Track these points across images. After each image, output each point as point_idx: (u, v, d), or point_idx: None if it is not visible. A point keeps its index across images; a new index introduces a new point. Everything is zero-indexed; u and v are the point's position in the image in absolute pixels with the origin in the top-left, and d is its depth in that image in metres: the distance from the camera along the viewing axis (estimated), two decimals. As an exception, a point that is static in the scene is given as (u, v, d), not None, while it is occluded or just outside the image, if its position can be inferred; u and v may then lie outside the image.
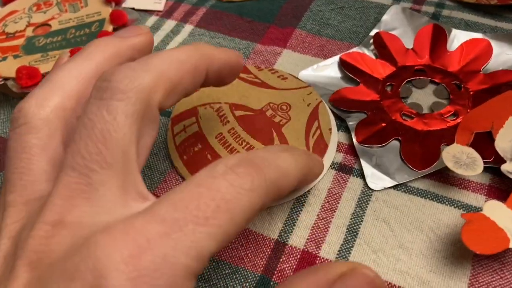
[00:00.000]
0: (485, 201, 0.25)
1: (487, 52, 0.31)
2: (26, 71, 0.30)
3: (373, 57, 0.33)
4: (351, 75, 0.31)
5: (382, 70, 0.32)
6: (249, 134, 0.28)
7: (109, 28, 0.34)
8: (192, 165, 0.27)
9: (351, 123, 0.29)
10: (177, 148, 0.28)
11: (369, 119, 0.29)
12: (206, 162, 0.27)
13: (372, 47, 0.33)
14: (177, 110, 0.30)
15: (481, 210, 0.23)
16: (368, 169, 0.27)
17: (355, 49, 0.33)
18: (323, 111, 0.29)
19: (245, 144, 0.28)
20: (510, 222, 0.22)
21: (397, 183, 0.26)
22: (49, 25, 0.35)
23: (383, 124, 0.29)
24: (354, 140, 0.28)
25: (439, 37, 0.33)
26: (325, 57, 0.33)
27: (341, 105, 0.30)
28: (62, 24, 0.35)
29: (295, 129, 0.28)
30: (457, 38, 0.33)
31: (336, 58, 0.33)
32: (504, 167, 0.25)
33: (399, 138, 0.28)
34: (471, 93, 0.30)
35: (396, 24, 0.34)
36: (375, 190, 0.26)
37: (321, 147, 0.27)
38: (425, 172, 0.26)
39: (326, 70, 0.32)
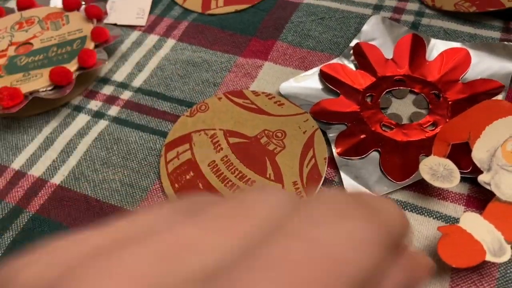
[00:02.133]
0: (464, 211, 0.25)
1: (466, 61, 0.31)
2: (8, 92, 0.30)
3: (353, 68, 0.33)
4: (331, 87, 0.31)
5: (362, 80, 0.32)
6: (242, 163, 0.28)
7: (91, 45, 0.34)
8: (183, 194, 0.27)
9: (331, 135, 0.29)
10: (169, 175, 0.28)
11: (349, 130, 0.29)
12: (197, 191, 0.27)
13: (352, 57, 0.33)
14: (171, 136, 0.30)
15: (459, 221, 0.23)
16: (347, 181, 0.27)
17: (335, 60, 0.33)
18: (319, 139, 0.29)
19: (238, 172, 0.27)
20: (487, 234, 0.23)
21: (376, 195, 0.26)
22: (31, 44, 0.35)
23: (363, 136, 0.29)
24: (334, 152, 0.28)
25: (418, 46, 0.33)
26: (306, 69, 0.34)
27: (321, 117, 0.30)
28: (44, 42, 0.35)
29: (290, 158, 0.28)
30: (436, 47, 0.33)
31: (316, 69, 0.33)
32: (481, 178, 0.25)
33: (379, 149, 0.28)
34: (450, 102, 0.30)
35: (376, 35, 0.35)
36: (355, 203, 0.26)
37: (315, 177, 0.27)
38: (404, 184, 0.26)
39: (307, 82, 0.32)
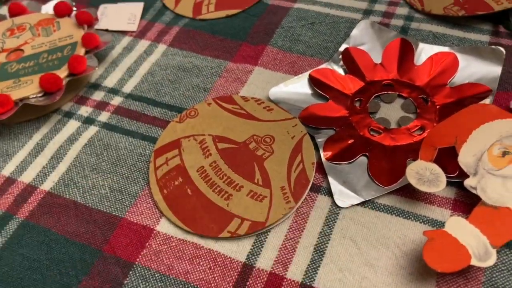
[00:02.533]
0: (451, 215, 0.26)
1: (454, 65, 0.32)
2: (-3, 98, 0.30)
3: (342, 72, 0.33)
4: (320, 92, 0.31)
5: (351, 85, 0.32)
6: (230, 168, 0.28)
7: (81, 51, 0.34)
8: (172, 200, 0.27)
9: (320, 140, 0.29)
10: (158, 181, 0.28)
11: (338, 135, 0.29)
12: (186, 196, 0.27)
13: (341, 62, 0.33)
14: (161, 142, 0.30)
15: (445, 226, 0.23)
16: (335, 186, 0.27)
17: (324, 65, 0.33)
18: (307, 144, 0.29)
19: (226, 178, 0.28)
20: (472, 238, 0.23)
21: (363, 200, 0.26)
22: (22, 50, 0.35)
23: (351, 140, 0.29)
24: (322, 157, 0.28)
25: (406, 51, 0.33)
26: (296, 73, 0.34)
27: (310, 122, 0.30)
28: (35, 48, 0.35)
29: (278, 163, 0.28)
30: (424, 51, 0.33)
31: (306, 75, 0.33)
32: (467, 182, 0.25)
33: (367, 154, 0.28)
34: (437, 106, 0.30)
35: (365, 39, 0.35)
36: (342, 208, 0.26)
37: (302, 182, 0.27)
38: (391, 188, 0.26)
39: (297, 87, 0.32)
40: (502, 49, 0.31)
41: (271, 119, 0.30)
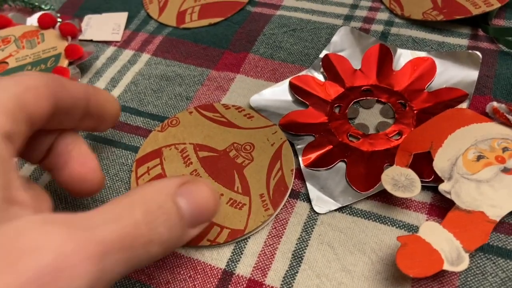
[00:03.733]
0: (426, 219, 0.26)
1: (431, 70, 0.32)
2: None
3: (323, 79, 0.33)
4: (300, 98, 0.32)
5: (331, 91, 0.32)
6: (210, 176, 0.28)
7: (65, 63, 0.35)
8: None
9: (299, 146, 0.29)
10: None
11: (316, 142, 0.30)
12: None
13: (322, 69, 0.34)
14: (142, 151, 0.30)
15: (418, 231, 0.23)
16: (313, 192, 0.27)
17: (304, 72, 0.34)
18: (286, 151, 0.29)
19: None
20: (446, 243, 0.23)
21: (341, 206, 0.26)
22: (7, 63, 0.36)
23: (330, 147, 0.29)
24: (301, 163, 0.28)
25: (385, 57, 0.33)
26: (277, 80, 0.34)
27: (290, 128, 0.30)
28: (19, 61, 0.35)
29: (257, 171, 0.28)
30: (403, 56, 0.33)
31: (286, 82, 0.33)
32: (441, 187, 0.26)
33: (345, 160, 0.28)
34: (415, 111, 0.30)
35: (345, 45, 0.35)
36: (320, 214, 0.27)
37: (281, 189, 0.27)
38: (368, 194, 0.27)
39: (277, 95, 0.33)
40: (478, 53, 0.32)
41: (252, 126, 0.31)
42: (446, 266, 0.22)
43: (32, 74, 0.20)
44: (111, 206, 0.18)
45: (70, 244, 0.15)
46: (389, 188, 0.25)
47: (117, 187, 0.29)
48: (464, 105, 0.30)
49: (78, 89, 0.22)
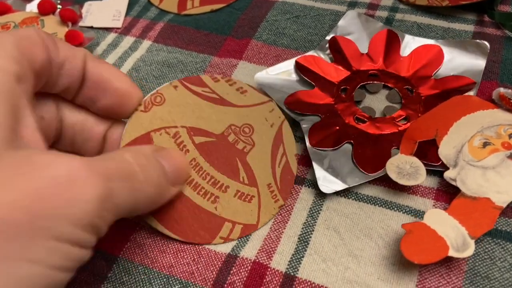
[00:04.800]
0: (433, 205, 0.26)
1: (439, 58, 0.32)
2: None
3: (329, 61, 0.33)
4: (306, 78, 0.31)
5: (337, 74, 0.32)
6: (212, 166, 0.26)
7: (65, 48, 0.34)
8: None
9: (305, 125, 0.29)
10: None
11: (323, 122, 0.29)
12: (169, 202, 0.24)
13: (328, 51, 0.33)
14: (127, 136, 0.26)
15: (423, 218, 0.23)
16: (320, 172, 0.27)
17: (311, 53, 0.33)
18: (287, 131, 0.28)
19: (209, 178, 0.26)
20: (451, 230, 0.23)
21: (348, 186, 0.26)
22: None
23: (336, 128, 0.29)
24: (307, 143, 0.28)
25: (392, 42, 0.33)
26: (281, 67, 0.34)
27: (296, 107, 0.30)
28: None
29: (260, 158, 0.27)
30: (410, 43, 0.33)
31: (292, 61, 0.33)
32: (447, 174, 0.25)
33: (352, 141, 0.28)
34: (422, 97, 0.30)
35: (352, 29, 0.35)
36: (326, 200, 0.26)
37: (288, 177, 0.27)
38: (375, 175, 0.26)
39: (282, 73, 0.32)
40: (486, 43, 0.31)
41: (247, 103, 0.28)
42: (452, 253, 0.22)
43: (24, 28, 0.23)
44: (102, 155, 0.20)
45: (78, 162, 0.17)
46: (393, 176, 0.25)
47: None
48: (471, 93, 0.30)
49: (73, 49, 0.23)
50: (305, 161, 0.28)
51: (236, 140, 0.27)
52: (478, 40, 0.32)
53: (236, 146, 0.27)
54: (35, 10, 0.38)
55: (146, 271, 0.24)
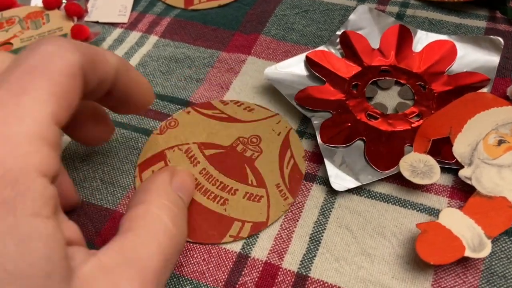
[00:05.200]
0: (448, 203, 0.25)
1: (452, 54, 0.31)
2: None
3: (339, 56, 0.32)
4: (317, 74, 0.31)
5: (348, 69, 0.31)
6: (221, 173, 0.27)
7: (71, 43, 0.34)
8: None
9: (316, 122, 0.28)
10: None
11: (334, 118, 0.29)
12: None
13: (339, 46, 0.33)
14: (143, 155, 0.29)
15: (438, 217, 0.23)
16: (331, 169, 0.26)
17: (321, 48, 0.33)
18: (294, 139, 0.28)
19: (219, 183, 0.27)
20: (467, 230, 0.22)
21: (360, 184, 0.25)
22: (11, 44, 0.35)
23: (348, 124, 0.28)
24: (319, 139, 0.27)
25: (404, 38, 0.32)
26: (290, 62, 0.33)
27: (306, 103, 0.29)
28: (24, 42, 0.34)
29: (269, 162, 0.27)
30: (422, 39, 0.33)
31: (302, 57, 0.32)
32: (462, 173, 0.25)
33: (364, 138, 0.28)
34: (435, 94, 0.29)
35: (363, 24, 0.34)
36: (338, 197, 0.26)
37: (297, 177, 0.27)
38: (388, 173, 0.26)
39: (292, 68, 0.32)
40: (500, 39, 0.31)
41: (254, 119, 0.30)
42: (468, 253, 0.21)
43: (64, 59, 0.17)
44: (139, 230, 0.19)
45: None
46: (407, 174, 0.25)
47: (126, 169, 0.28)
48: (485, 90, 0.29)
49: (110, 66, 0.20)
50: (315, 158, 0.28)
51: (244, 149, 0.28)
52: (491, 36, 0.31)
53: (244, 154, 0.28)
54: (40, 4, 0.38)
55: (156, 269, 0.24)
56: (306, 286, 0.23)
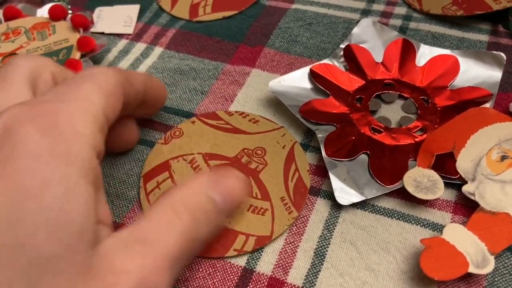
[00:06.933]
0: (451, 218, 0.25)
1: (455, 68, 0.31)
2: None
3: (343, 69, 0.33)
4: (321, 87, 0.31)
5: (352, 83, 0.32)
6: None
7: (77, 55, 0.34)
8: None
9: (320, 135, 0.28)
10: None
11: (338, 132, 0.29)
12: None
13: (342, 59, 0.33)
14: (147, 166, 0.29)
15: (442, 233, 0.23)
16: (336, 183, 0.26)
17: (325, 61, 0.33)
18: (299, 152, 0.29)
19: None
20: (470, 246, 0.22)
21: (365, 198, 0.26)
22: (17, 55, 0.35)
23: (352, 138, 0.28)
24: (323, 152, 0.28)
25: (408, 52, 0.33)
26: (294, 75, 0.33)
27: (311, 116, 0.29)
28: (30, 52, 0.35)
29: (273, 174, 0.27)
30: (426, 53, 0.33)
31: (306, 69, 0.32)
32: (465, 188, 0.25)
33: (368, 152, 0.28)
34: (438, 108, 0.30)
35: (366, 37, 0.34)
36: (342, 211, 0.26)
37: (301, 190, 0.27)
38: (393, 188, 0.26)
39: (296, 81, 0.32)
40: (503, 54, 0.31)
41: (259, 131, 0.30)
42: (471, 269, 0.22)
43: (107, 76, 0.21)
44: (159, 215, 0.20)
45: (149, 265, 0.18)
46: (411, 190, 0.25)
47: (131, 181, 0.29)
48: (487, 105, 0.29)
49: (140, 82, 0.24)
50: (320, 171, 0.28)
51: (249, 161, 0.28)
52: (494, 52, 0.32)
53: (249, 166, 0.28)
54: (46, 15, 0.38)
55: (161, 284, 0.24)
56: (311, 301, 0.23)
